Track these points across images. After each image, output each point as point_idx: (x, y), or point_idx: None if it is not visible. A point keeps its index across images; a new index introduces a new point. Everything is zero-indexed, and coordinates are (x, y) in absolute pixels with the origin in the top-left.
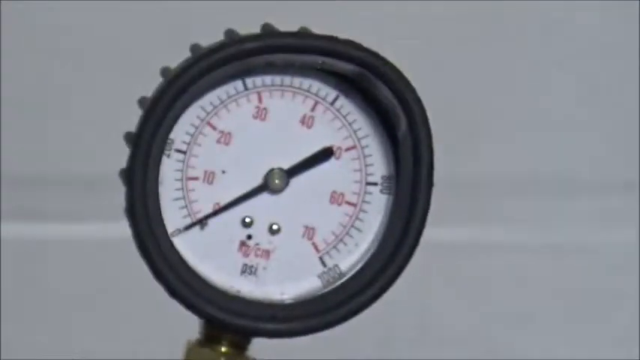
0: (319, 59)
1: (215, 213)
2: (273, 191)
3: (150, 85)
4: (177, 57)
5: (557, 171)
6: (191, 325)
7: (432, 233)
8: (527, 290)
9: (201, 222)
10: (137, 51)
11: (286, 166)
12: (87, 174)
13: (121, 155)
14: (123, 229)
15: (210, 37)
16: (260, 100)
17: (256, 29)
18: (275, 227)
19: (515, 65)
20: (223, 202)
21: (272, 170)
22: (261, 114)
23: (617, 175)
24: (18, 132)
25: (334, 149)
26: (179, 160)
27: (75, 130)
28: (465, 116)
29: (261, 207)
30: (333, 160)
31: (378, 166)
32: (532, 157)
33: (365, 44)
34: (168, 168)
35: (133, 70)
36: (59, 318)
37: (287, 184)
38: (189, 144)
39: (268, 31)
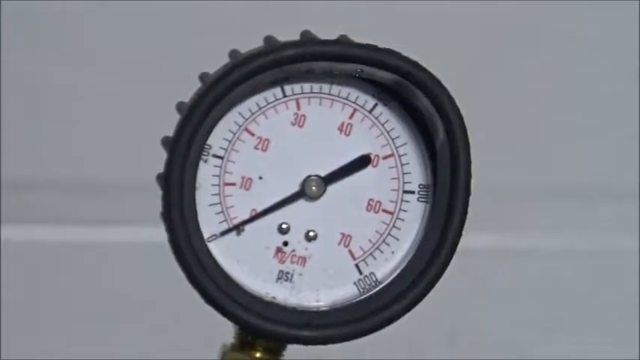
0: (358, 67)
1: (252, 219)
2: (309, 198)
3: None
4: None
5: (590, 178)
6: (226, 330)
7: (464, 239)
8: (560, 297)
9: (238, 228)
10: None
11: (323, 173)
12: (99, 178)
13: (134, 160)
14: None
15: (251, 42)
16: (298, 107)
17: (294, 36)
18: (312, 234)
19: (548, 78)
20: (260, 208)
21: (309, 177)
22: (299, 121)
23: None
24: (20, 135)
25: (372, 157)
26: (216, 166)
27: (84, 135)
28: (499, 126)
29: (298, 213)
30: (370, 167)
31: (416, 175)
32: (565, 165)
33: (404, 53)
34: (206, 173)
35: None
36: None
37: (324, 191)
38: (226, 149)
39: (307, 38)
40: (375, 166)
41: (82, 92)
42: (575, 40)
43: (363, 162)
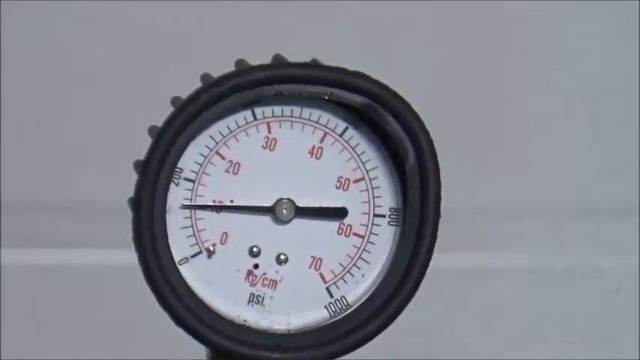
0: (328, 90)
1: (217, 208)
2: (280, 221)
3: (156, 113)
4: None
5: (561, 196)
6: (197, 353)
7: (437, 259)
8: (533, 315)
9: (209, 251)
10: (143, 79)
11: (295, 197)
12: (90, 202)
13: (124, 183)
14: (124, 255)
15: (224, 67)
16: (269, 130)
17: (267, 60)
18: (282, 257)
19: (521, 97)
20: (231, 232)
21: (280, 200)
22: (270, 144)
23: (618, 201)
24: (17, 158)
25: (343, 207)
26: (188, 189)
27: (76, 157)
28: (469, 147)
29: (269, 236)
30: (341, 191)
31: (387, 198)
32: (535, 184)
33: (374, 76)
34: (177, 196)
35: (140, 99)
36: (62, 344)
37: (294, 215)
38: (197, 173)
39: (278, 61)
40: (345, 190)
41: (55, 112)
42: (547, 56)
43: (339, 214)
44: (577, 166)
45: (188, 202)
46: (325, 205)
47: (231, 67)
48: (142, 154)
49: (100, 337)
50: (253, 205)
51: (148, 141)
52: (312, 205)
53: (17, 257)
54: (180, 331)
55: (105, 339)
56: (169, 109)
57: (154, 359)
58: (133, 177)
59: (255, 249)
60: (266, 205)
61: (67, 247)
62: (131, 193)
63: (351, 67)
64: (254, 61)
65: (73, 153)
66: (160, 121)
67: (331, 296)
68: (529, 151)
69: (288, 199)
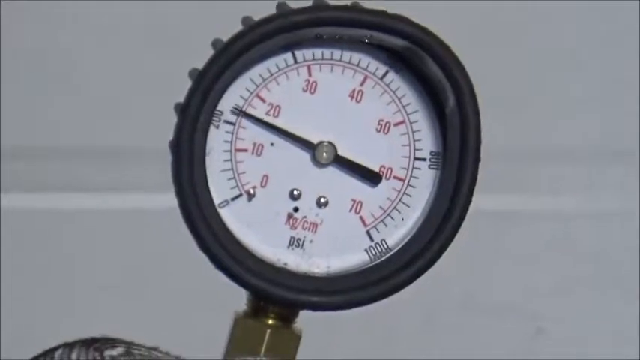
0: (367, 33)
1: (271, 127)
2: (320, 164)
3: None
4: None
5: (600, 141)
6: (238, 297)
7: (475, 201)
8: (572, 259)
9: (249, 194)
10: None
11: (335, 140)
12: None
13: (166, 127)
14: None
15: (265, 11)
16: (310, 73)
17: (309, 2)
18: (323, 200)
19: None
20: (271, 175)
21: (321, 143)
22: (310, 87)
23: None
24: (22, 102)
25: (383, 174)
26: (228, 132)
27: (118, 101)
28: (511, 90)
29: (309, 180)
30: (382, 134)
31: (427, 142)
32: (575, 127)
33: (414, 19)
34: (217, 139)
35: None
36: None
37: (332, 160)
38: (238, 115)
39: (318, 3)
40: (386, 133)
41: (92, 58)
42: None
43: (373, 177)
44: (617, 111)
45: (228, 145)
46: (364, 164)
47: (272, 10)
48: (181, 97)
49: (140, 282)
50: (298, 135)
51: (188, 84)
52: (351, 158)
53: (61, 202)
54: (220, 275)
55: (145, 284)
56: (210, 52)
57: (193, 304)
58: (169, 120)
59: (295, 192)
60: (310, 141)
61: (107, 191)
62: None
63: (391, 11)
64: (295, 4)
65: (115, 97)
66: (200, 64)
67: (371, 239)
68: (570, 95)
69: (329, 142)
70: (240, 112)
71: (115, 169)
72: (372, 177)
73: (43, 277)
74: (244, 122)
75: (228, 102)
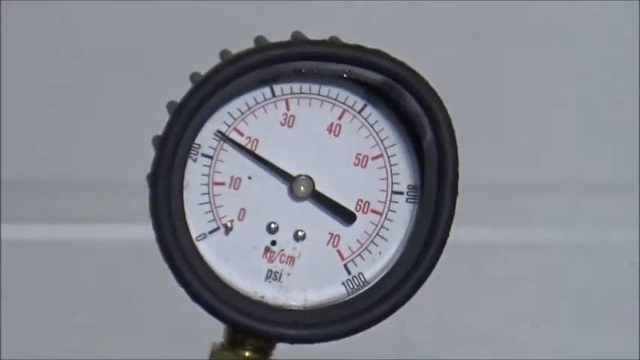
0: (345, 68)
1: (250, 153)
2: (297, 197)
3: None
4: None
5: (577, 172)
6: (215, 329)
7: (453, 232)
8: (552, 290)
9: (227, 227)
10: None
11: (313, 174)
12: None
13: (143, 159)
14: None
15: (243, 44)
16: (288, 107)
17: (287, 37)
18: (300, 234)
19: (538, 74)
20: (249, 208)
21: (299, 177)
22: (288, 121)
23: (636, 176)
24: (20, 135)
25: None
26: (205, 165)
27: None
28: (491, 122)
29: (287, 213)
30: (359, 168)
31: (404, 176)
32: (552, 159)
33: (392, 53)
34: (195, 172)
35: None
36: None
37: (311, 192)
38: (215, 149)
39: (297, 38)
40: (364, 167)
41: (74, 91)
42: (560, 35)
43: (348, 216)
44: (596, 142)
45: (206, 179)
46: (340, 201)
47: (250, 44)
48: (159, 130)
49: (115, 313)
50: (277, 166)
51: (166, 117)
52: (328, 193)
53: (43, 233)
54: (197, 308)
55: (121, 316)
56: (188, 85)
57: (170, 337)
58: (151, 153)
59: (272, 225)
60: (289, 173)
61: (84, 222)
62: (146, 169)
63: (369, 45)
64: (273, 39)
65: (90, 130)
66: (178, 97)
67: (349, 273)
68: (546, 126)
69: (307, 176)
70: (222, 137)
71: (109, 200)
72: (346, 215)
73: (38, 306)
74: (222, 155)
75: (206, 136)
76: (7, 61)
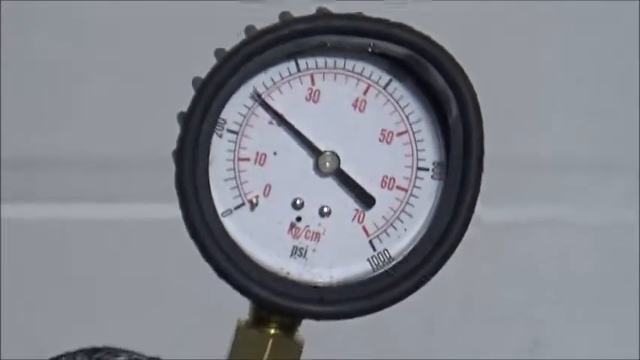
0: (370, 42)
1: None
2: (322, 173)
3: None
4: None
5: (600, 150)
6: (241, 306)
7: (477, 210)
8: (571, 268)
9: (252, 203)
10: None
11: (338, 149)
12: (135, 155)
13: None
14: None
15: (268, 20)
16: (313, 82)
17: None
18: (326, 210)
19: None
20: (274, 184)
21: (324, 153)
22: (313, 96)
23: None
24: (27, 112)
25: (374, 197)
26: (231, 141)
27: (121, 111)
28: (512, 100)
29: (312, 189)
30: (384, 144)
31: (430, 152)
32: (573, 137)
33: (417, 27)
34: (220, 148)
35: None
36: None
37: (337, 167)
38: (241, 125)
39: (321, 12)
40: (389, 143)
41: (97, 69)
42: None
43: (367, 200)
44: (616, 121)
45: (231, 154)
46: (361, 184)
47: (275, 20)
48: (185, 106)
49: (141, 292)
50: (307, 137)
51: (191, 92)
52: (352, 171)
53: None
54: (223, 284)
55: (147, 294)
56: (212, 61)
57: (195, 314)
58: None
59: (298, 201)
60: (317, 147)
61: (110, 202)
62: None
63: (394, 19)
64: (298, 13)
65: (117, 107)
66: (203, 73)
67: (374, 249)
68: (570, 105)
69: (333, 152)
70: (258, 98)
71: (118, 179)
72: (365, 199)
73: (43, 287)
74: (248, 131)
75: (232, 111)
76: (12, 36)
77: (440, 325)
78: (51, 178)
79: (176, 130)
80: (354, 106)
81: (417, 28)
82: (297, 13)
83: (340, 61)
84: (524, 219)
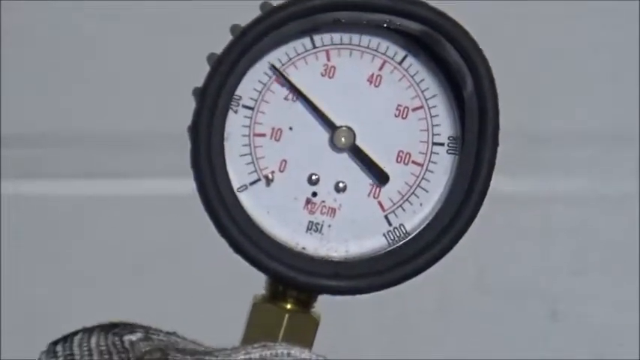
0: (386, 18)
1: (297, 92)
2: (338, 149)
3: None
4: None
5: (613, 123)
6: (257, 281)
7: (492, 184)
8: (587, 240)
9: (268, 178)
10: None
11: (353, 125)
12: (150, 131)
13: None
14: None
15: None
16: (328, 58)
17: None
18: (341, 185)
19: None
20: (290, 159)
21: (339, 128)
22: (329, 72)
23: None
24: (43, 89)
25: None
26: (246, 117)
27: (135, 86)
28: (525, 73)
29: (328, 164)
30: (400, 119)
31: (445, 127)
32: (587, 110)
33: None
34: (236, 124)
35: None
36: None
37: (352, 142)
38: (256, 100)
39: None
40: (404, 118)
41: (111, 45)
42: None
43: (381, 177)
44: (631, 93)
45: (247, 130)
46: (376, 160)
47: None
48: (200, 82)
49: (159, 266)
50: (324, 111)
51: (206, 68)
52: (368, 147)
53: (78, 188)
54: (239, 259)
55: (164, 268)
56: (229, 38)
57: (213, 289)
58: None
59: (314, 177)
60: (333, 122)
61: (124, 177)
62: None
63: None
64: None
65: (132, 82)
66: (218, 49)
67: (390, 224)
68: (586, 77)
69: (349, 127)
70: (276, 71)
71: (130, 155)
72: (379, 175)
73: (55, 263)
74: (263, 106)
75: (247, 87)
76: (7, 28)
77: (453, 298)
78: (66, 155)
79: (191, 105)
80: (370, 81)
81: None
82: None
83: (356, 37)
84: (539, 191)
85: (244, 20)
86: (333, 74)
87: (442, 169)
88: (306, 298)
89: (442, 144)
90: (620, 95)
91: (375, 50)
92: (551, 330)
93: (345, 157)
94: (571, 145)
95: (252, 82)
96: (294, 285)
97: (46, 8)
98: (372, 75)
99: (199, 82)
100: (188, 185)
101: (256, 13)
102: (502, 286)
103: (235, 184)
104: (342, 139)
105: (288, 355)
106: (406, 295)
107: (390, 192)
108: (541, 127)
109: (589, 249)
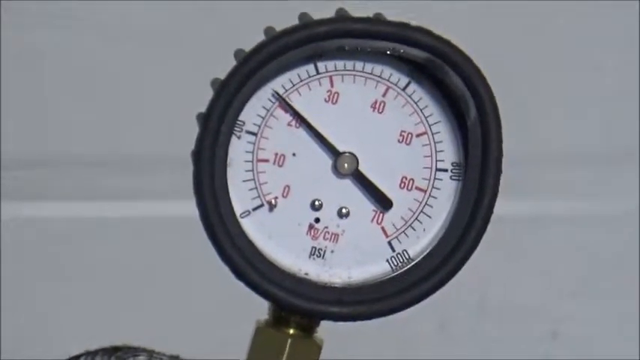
0: (390, 45)
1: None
2: (341, 175)
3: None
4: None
5: (613, 143)
6: (259, 306)
7: (495, 207)
8: (587, 262)
9: (271, 204)
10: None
11: (356, 151)
12: (152, 154)
13: (187, 136)
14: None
15: (288, 21)
16: (332, 84)
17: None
18: (344, 211)
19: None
20: (293, 185)
21: (343, 154)
22: (332, 98)
23: None
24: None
25: (392, 200)
26: (250, 142)
27: (140, 111)
28: (527, 95)
29: (331, 190)
30: (403, 145)
31: (449, 153)
32: (585, 131)
33: (436, 31)
34: (239, 149)
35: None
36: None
37: (356, 168)
38: (260, 126)
39: (340, 15)
40: (408, 144)
41: (113, 67)
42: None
43: (384, 203)
44: (626, 112)
45: (250, 155)
46: (380, 186)
47: (294, 22)
48: (204, 107)
49: (158, 290)
50: (327, 138)
51: (210, 93)
52: (370, 173)
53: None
54: (241, 285)
55: (164, 293)
56: (232, 63)
57: (215, 313)
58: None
59: (317, 202)
60: (336, 148)
61: (124, 199)
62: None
63: (413, 23)
64: (317, 15)
65: (136, 107)
66: (222, 75)
67: (393, 250)
68: (582, 98)
69: (352, 153)
70: (279, 98)
71: (130, 177)
72: (382, 201)
73: (54, 286)
74: (267, 132)
75: (250, 113)
76: (7, 28)
77: (454, 321)
78: (67, 177)
79: (193, 128)
80: (373, 107)
81: (434, 27)
82: (316, 14)
83: (359, 64)
84: (539, 213)
85: (248, 45)
86: (337, 100)
87: (445, 195)
88: (308, 323)
89: (446, 170)
90: (619, 115)
91: (379, 76)
92: (552, 352)
93: (348, 183)
94: (570, 165)
95: (256, 107)
96: (296, 311)
97: (47, 31)
98: (376, 101)
99: (202, 107)
100: (189, 208)
101: (261, 37)
102: (503, 308)
103: (238, 209)
104: (345, 165)
105: None
106: (407, 319)
107: (393, 218)
108: (540, 148)
109: (590, 270)
